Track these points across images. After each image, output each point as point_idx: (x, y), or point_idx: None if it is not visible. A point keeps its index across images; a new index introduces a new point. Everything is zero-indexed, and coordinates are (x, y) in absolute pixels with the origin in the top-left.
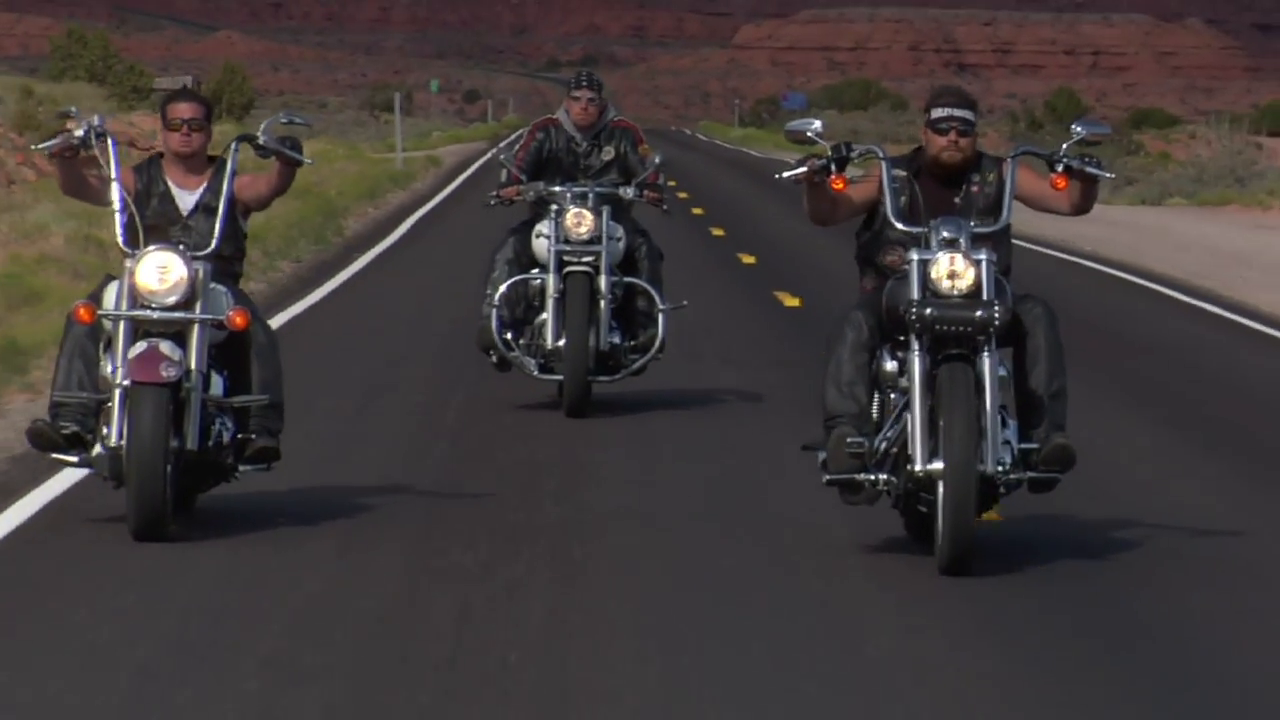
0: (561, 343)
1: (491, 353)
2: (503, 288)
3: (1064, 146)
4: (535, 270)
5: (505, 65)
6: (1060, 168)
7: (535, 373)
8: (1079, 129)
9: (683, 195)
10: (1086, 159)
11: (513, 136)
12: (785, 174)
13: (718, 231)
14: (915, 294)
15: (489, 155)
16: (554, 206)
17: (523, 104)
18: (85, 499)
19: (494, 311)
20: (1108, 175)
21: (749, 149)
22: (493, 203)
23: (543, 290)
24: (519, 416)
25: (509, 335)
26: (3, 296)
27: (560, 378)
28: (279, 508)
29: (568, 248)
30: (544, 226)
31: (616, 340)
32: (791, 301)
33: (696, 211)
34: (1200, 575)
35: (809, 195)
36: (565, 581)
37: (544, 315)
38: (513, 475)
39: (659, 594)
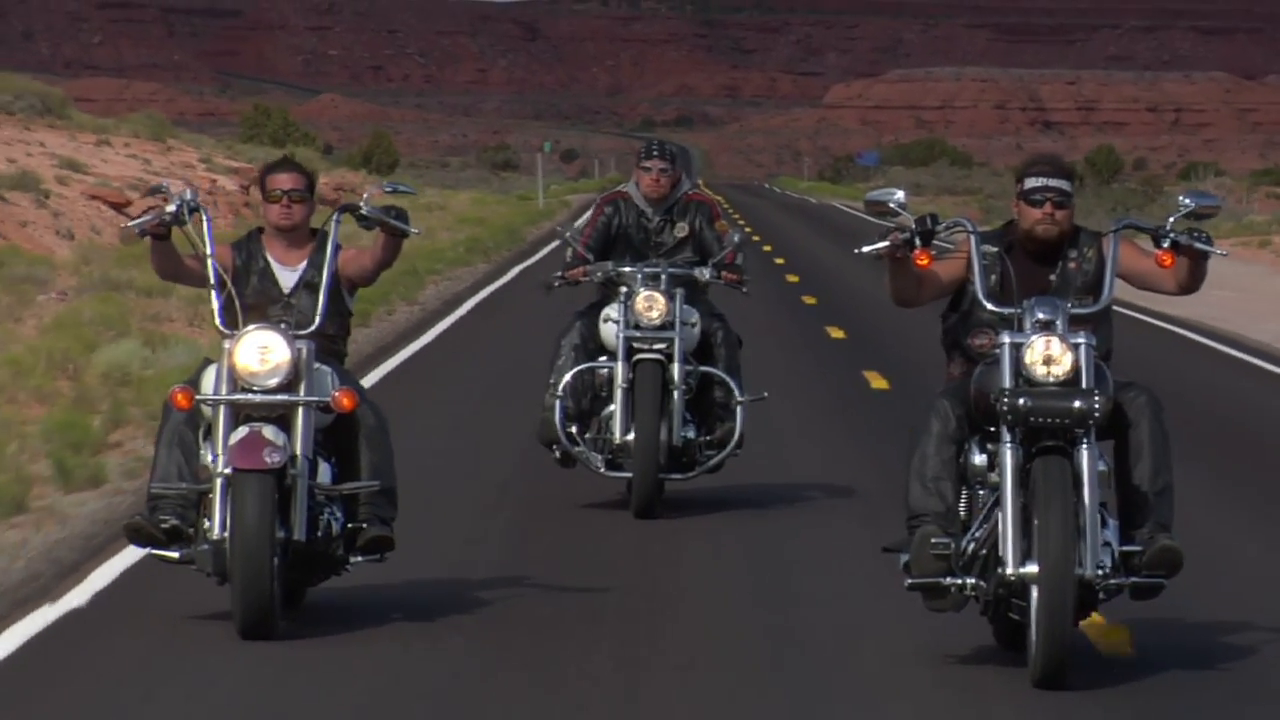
0: (630, 437)
1: (555, 447)
2: (567, 376)
3: (1170, 220)
4: (603, 358)
5: (601, 125)
6: (1166, 243)
7: (602, 469)
8: (1187, 200)
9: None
10: (1195, 233)
11: (581, 213)
12: (866, 249)
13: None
14: (1007, 381)
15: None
16: (623, 288)
17: (621, 163)
18: (189, 596)
19: (558, 402)
20: (1219, 252)
21: (810, 197)
22: (557, 284)
23: (610, 380)
24: (583, 517)
25: (574, 428)
26: None
27: (629, 475)
28: (395, 601)
29: (638, 334)
30: (612, 310)
31: (691, 434)
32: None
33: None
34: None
35: (891, 273)
36: (622, 691)
37: (612, 406)
38: (575, 584)
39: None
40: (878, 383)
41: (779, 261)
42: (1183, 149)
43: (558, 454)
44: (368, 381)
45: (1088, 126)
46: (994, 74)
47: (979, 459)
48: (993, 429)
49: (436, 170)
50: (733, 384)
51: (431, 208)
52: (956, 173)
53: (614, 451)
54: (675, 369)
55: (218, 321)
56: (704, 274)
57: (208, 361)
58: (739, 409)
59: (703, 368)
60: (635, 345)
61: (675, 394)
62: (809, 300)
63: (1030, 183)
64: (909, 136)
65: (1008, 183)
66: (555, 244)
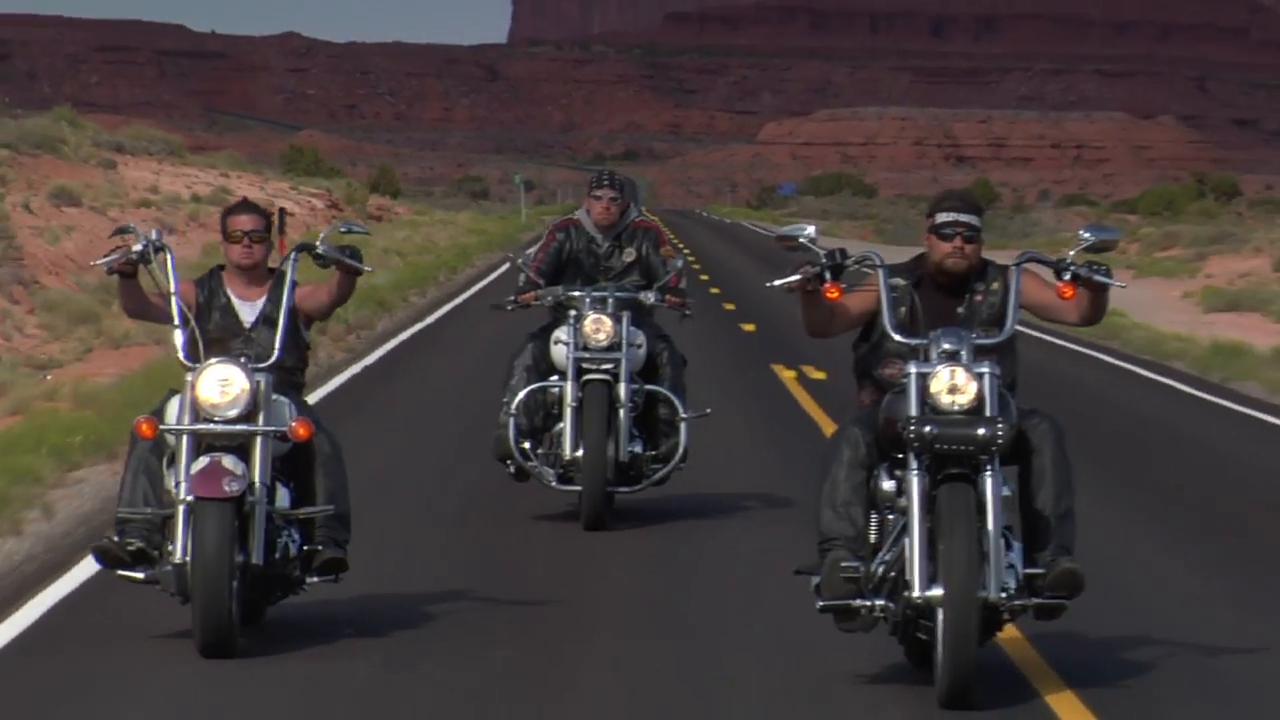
0: (580, 453)
1: (509, 462)
2: (520, 395)
3: (1071, 253)
4: (554, 378)
5: (555, 159)
6: (1067, 276)
7: (554, 483)
8: (1086, 234)
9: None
10: (1095, 266)
11: (532, 239)
12: (777, 283)
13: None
14: (914, 410)
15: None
16: (573, 312)
17: (575, 193)
18: (152, 614)
19: (512, 420)
20: (1118, 284)
21: (726, 219)
22: (509, 308)
23: (561, 398)
24: (536, 528)
25: (527, 444)
26: None
27: (579, 488)
28: (349, 618)
29: (586, 355)
30: (562, 333)
31: (637, 449)
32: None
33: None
34: (1222, 696)
35: (803, 305)
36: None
37: (562, 424)
38: (526, 595)
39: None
40: (785, 374)
41: (687, 252)
42: (1084, 182)
43: (512, 468)
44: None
45: (998, 161)
46: (913, 113)
47: (888, 484)
48: (900, 456)
49: (423, 198)
50: (677, 402)
51: (445, 224)
52: (858, 201)
53: (565, 466)
54: (622, 388)
55: (181, 355)
56: (649, 298)
57: (172, 392)
58: (683, 425)
59: (648, 386)
60: (584, 366)
61: (622, 412)
62: (714, 291)
63: (941, 217)
64: (835, 170)
65: (901, 209)
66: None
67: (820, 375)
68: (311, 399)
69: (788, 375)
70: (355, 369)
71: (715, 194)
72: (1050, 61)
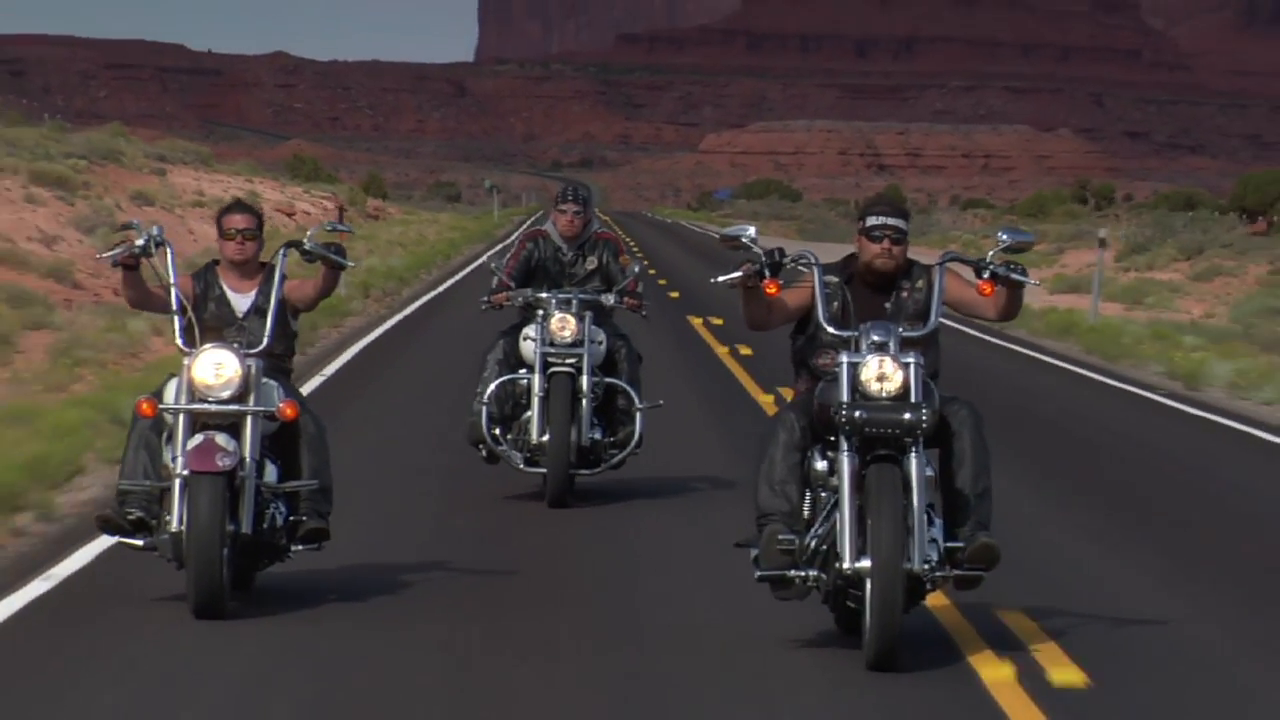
0: (545, 438)
1: (481, 447)
2: (492, 386)
3: (990, 254)
4: (523, 370)
5: (517, 166)
6: (986, 274)
7: (521, 466)
8: (1004, 236)
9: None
10: (1012, 266)
11: (505, 244)
12: (721, 279)
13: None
14: (845, 396)
15: (521, 229)
16: (540, 311)
17: (538, 196)
18: (150, 579)
19: (484, 409)
20: (1032, 283)
21: (667, 219)
22: (484, 308)
23: (529, 389)
24: (504, 506)
25: (497, 431)
26: None
27: (544, 470)
28: (329, 584)
29: (552, 350)
30: (531, 330)
31: (597, 436)
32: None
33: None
34: (1124, 662)
35: (745, 300)
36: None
37: (530, 413)
38: (494, 567)
39: (603, 656)
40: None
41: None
42: (990, 188)
43: (484, 453)
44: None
45: (914, 169)
46: (839, 126)
47: (820, 465)
48: (833, 438)
49: (405, 200)
50: (633, 393)
51: (430, 222)
52: (784, 204)
53: (531, 451)
54: (584, 380)
55: (178, 341)
56: (609, 300)
57: (171, 375)
58: (639, 415)
59: (608, 379)
60: (550, 360)
61: (584, 402)
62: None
63: (871, 220)
64: (768, 177)
65: (821, 211)
66: (506, 242)
67: (748, 351)
68: (368, 338)
69: (722, 351)
70: (393, 320)
71: (661, 197)
72: (962, 79)
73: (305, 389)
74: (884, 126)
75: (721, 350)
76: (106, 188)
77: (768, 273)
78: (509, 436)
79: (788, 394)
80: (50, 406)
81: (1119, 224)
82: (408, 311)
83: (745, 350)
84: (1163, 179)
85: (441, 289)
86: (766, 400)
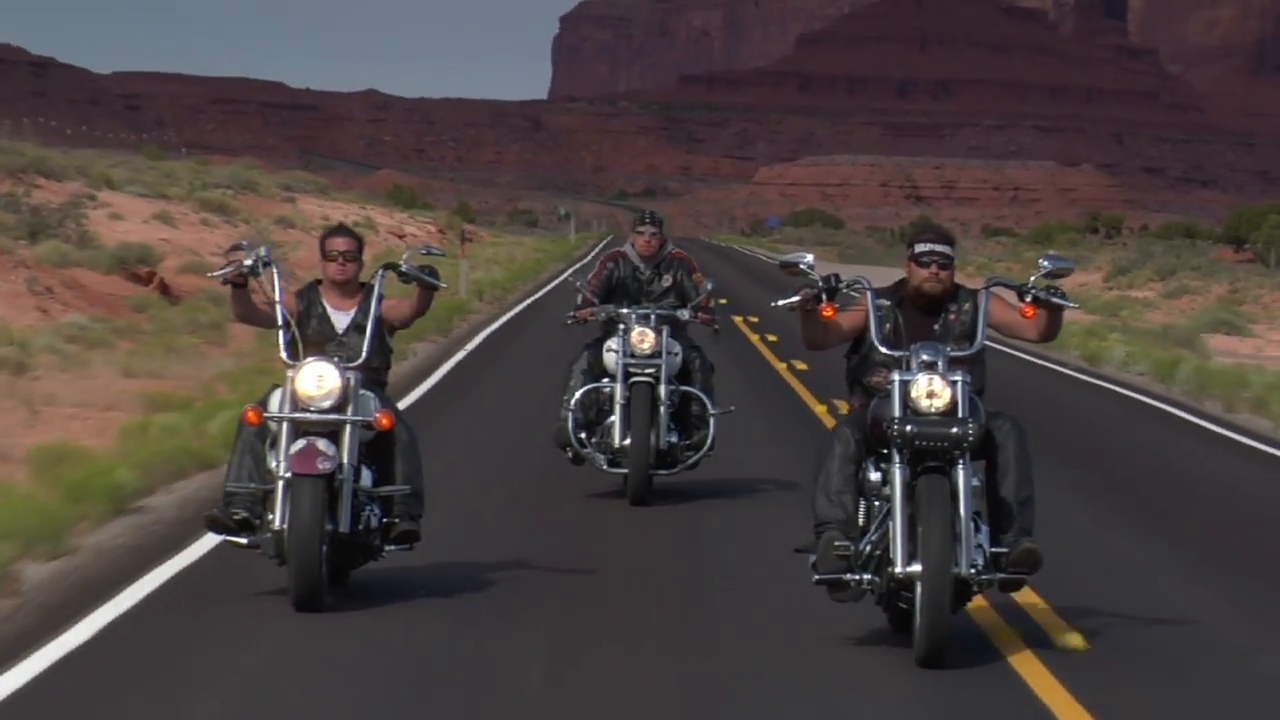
0: (627, 442)
1: (568, 449)
2: (578, 394)
3: (1032, 279)
4: (606, 380)
5: (587, 195)
6: (1029, 298)
7: (605, 467)
8: (1045, 263)
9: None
10: (1052, 290)
11: (589, 260)
12: (780, 303)
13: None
14: (897, 412)
15: (594, 251)
16: (621, 326)
17: (607, 222)
18: (254, 575)
19: (570, 415)
20: (1072, 305)
21: (721, 243)
22: (569, 322)
23: (612, 397)
24: (589, 504)
25: (583, 435)
26: None
27: (626, 471)
28: (419, 582)
29: (633, 361)
30: (613, 343)
31: (674, 440)
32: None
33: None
34: (1147, 664)
35: (802, 322)
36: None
37: (613, 418)
38: (580, 562)
39: (678, 644)
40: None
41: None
42: (1018, 219)
43: (570, 455)
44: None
45: (949, 200)
46: (881, 160)
47: (874, 476)
48: (885, 451)
49: (488, 225)
50: (707, 400)
51: (516, 244)
52: (827, 231)
53: (614, 453)
54: (662, 389)
55: (283, 354)
56: (684, 315)
57: (275, 386)
58: (711, 420)
59: (683, 388)
60: (631, 370)
61: (662, 409)
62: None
63: (920, 248)
64: (816, 206)
65: (860, 238)
66: (580, 264)
67: (803, 366)
68: (485, 332)
69: (780, 366)
70: (505, 316)
71: (717, 224)
72: (995, 119)
73: (452, 361)
74: (922, 161)
75: (780, 366)
76: (252, 213)
77: (824, 296)
78: (593, 440)
79: (842, 406)
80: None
81: (1120, 251)
82: (514, 312)
83: (801, 365)
84: (1176, 211)
85: (537, 295)
86: (821, 410)
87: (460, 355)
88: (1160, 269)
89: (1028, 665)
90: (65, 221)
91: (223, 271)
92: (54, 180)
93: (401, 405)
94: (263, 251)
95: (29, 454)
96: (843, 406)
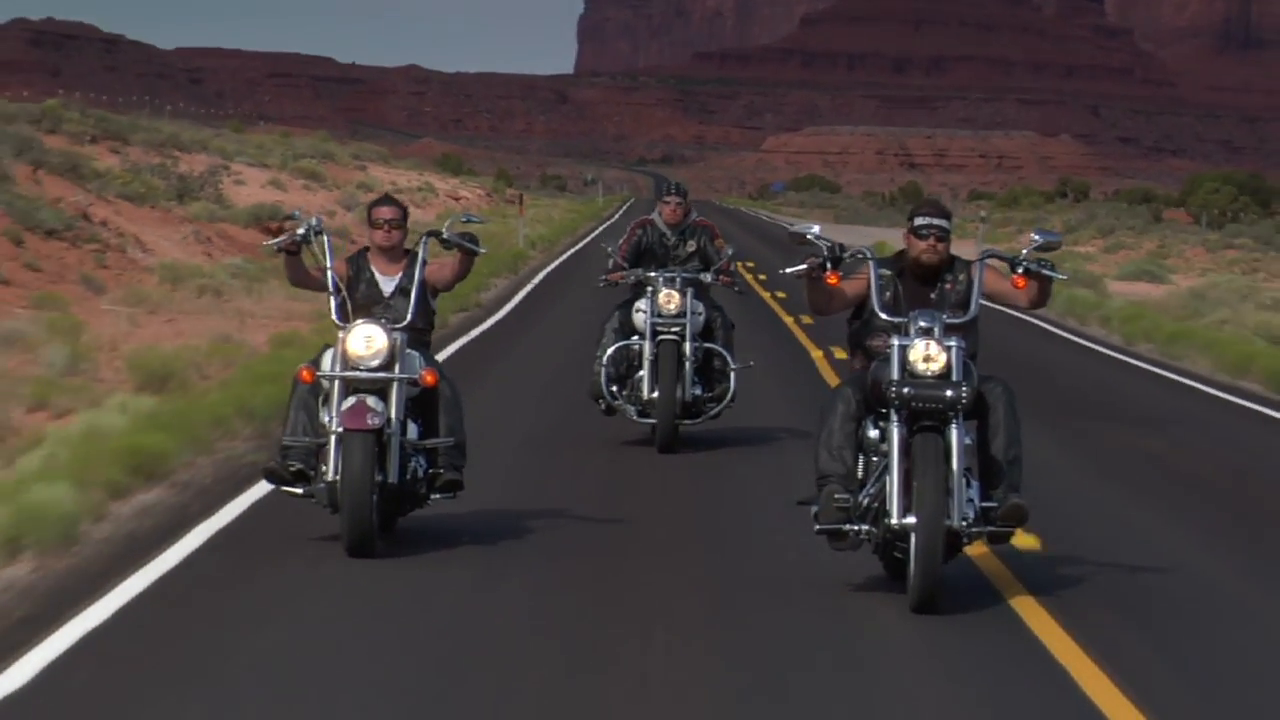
0: (655, 394)
1: (600, 401)
2: (610, 350)
3: (1024, 251)
4: (635, 337)
5: (610, 162)
6: (1020, 269)
7: (635, 417)
8: (1036, 236)
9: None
10: (1043, 262)
11: (611, 225)
12: (788, 270)
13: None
14: (895, 374)
15: (619, 213)
16: (649, 288)
17: (625, 186)
18: (309, 523)
19: (603, 369)
20: (1061, 276)
21: (730, 205)
22: (601, 284)
23: (641, 353)
24: (621, 451)
25: (614, 388)
26: None
27: (654, 421)
28: (463, 528)
29: (660, 320)
30: (642, 303)
31: (698, 392)
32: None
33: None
34: (1130, 614)
35: (808, 288)
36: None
37: (642, 373)
38: (613, 507)
39: (690, 590)
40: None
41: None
42: (1003, 184)
43: (603, 406)
44: None
45: (939, 168)
46: (877, 131)
47: (873, 433)
48: (884, 410)
49: (523, 189)
50: (728, 356)
51: (551, 206)
52: (825, 195)
53: (643, 405)
54: (687, 346)
55: (334, 317)
56: (707, 278)
57: (326, 346)
58: (732, 374)
59: (706, 344)
60: (658, 328)
61: (687, 364)
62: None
63: (919, 220)
64: (817, 173)
65: (855, 202)
66: (609, 223)
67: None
68: (543, 272)
69: (788, 319)
70: (552, 264)
71: (728, 189)
72: (982, 93)
73: (521, 293)
74: (915, 131)
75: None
76: (335, 179)
77: (829, 265)
78: (624, 393)
79: (838, 352)
80: None
81: (1070, 213)
82: (560, 259)
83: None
84: (1148, 178)
85: (579, 246)
86: (818, 355)
87: (529, 288)
88: (1101, 228)
89: (1026, 608)
90: (205, 186)
91: (278, 241)
92: (185, 152)
93: (499, 315)
94: (314, 221)
95: (269, 339)
96: (839, 353)
